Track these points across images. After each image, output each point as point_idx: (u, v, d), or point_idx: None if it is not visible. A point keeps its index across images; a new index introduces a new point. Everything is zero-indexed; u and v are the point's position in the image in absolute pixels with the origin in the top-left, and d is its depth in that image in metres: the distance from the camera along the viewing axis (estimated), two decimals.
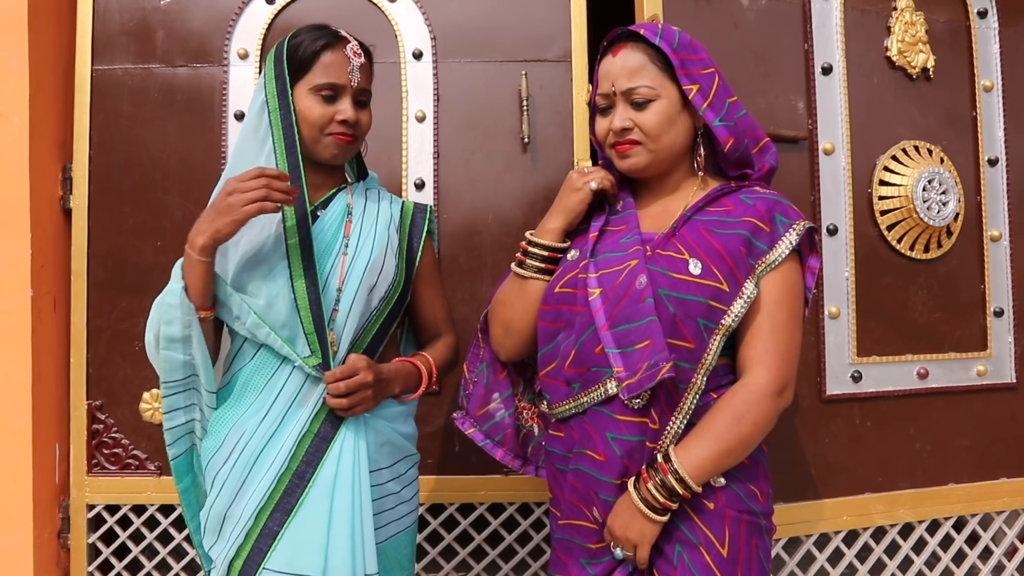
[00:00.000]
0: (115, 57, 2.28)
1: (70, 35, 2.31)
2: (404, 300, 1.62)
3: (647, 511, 1.30)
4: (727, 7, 2.20)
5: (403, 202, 1.68)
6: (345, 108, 1.49)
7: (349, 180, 1.68)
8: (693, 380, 1.35)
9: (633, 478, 1.34)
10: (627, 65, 1.44)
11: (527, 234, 1.55)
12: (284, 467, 1.43)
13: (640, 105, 1.42)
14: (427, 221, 1.68)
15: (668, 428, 1.35)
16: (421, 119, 2.28)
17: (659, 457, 1.33)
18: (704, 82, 1.43)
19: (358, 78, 1.51)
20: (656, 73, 1.43)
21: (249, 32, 2.28)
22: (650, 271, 1.36)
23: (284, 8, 2.30)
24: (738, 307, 1.35)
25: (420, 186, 2.27)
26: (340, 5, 2.29)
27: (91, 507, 2.25)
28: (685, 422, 1.36)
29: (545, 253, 1.51)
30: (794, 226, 1.40)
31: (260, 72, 1.58)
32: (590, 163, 1.51)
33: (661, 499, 1.30)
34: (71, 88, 2.29)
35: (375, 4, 2.29)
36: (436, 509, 2.26)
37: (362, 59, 1.53)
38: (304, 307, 1.44)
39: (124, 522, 2.27)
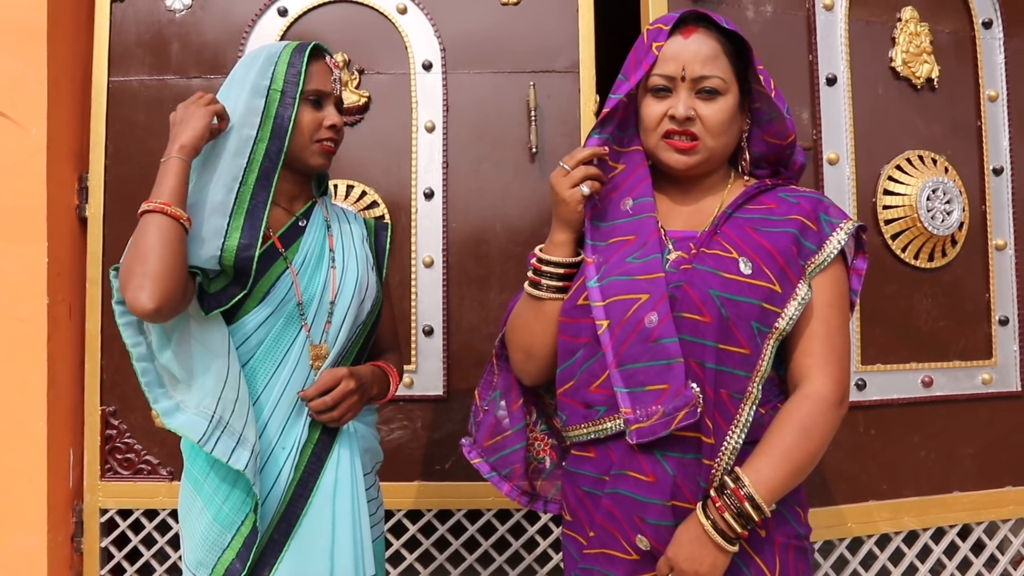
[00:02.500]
0: (131, 69, 2.33)
1: (87, 47, 2.36)
2: (379, 316, 1.63)
3: (722, 541, 1.18)
4: (732, 18, 2.06)
5: (365, 219, 1.68)
6: (331, 113, 1.50)
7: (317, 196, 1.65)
8: (749, 389, 1.24)
9: (700, 504, 1.22)
10: (702, 51, 1.31)
11: (537, 251, 1.42)
12: (290, 478, 1.43)
13: (709, 96, 1.31)
14: (388, 239, 1.68)
15: (726, 443, 1.23)
16: (431, 129, 2.31)
17: (728, 480, 1.21)
18: (766, 76, 1.35)
19: (339, 87, 1.53)
20: (728, 66, 1.33)
21: (261, 43, 2.23)
22: (697, 271, 1.27)
23: (296, 20, 2.34)
24: (792, 309, 1.25)
25: (430, 195, 2.30)
26: (351, 16, 2.33)
27: (104, 511, 2.28)
28: (743, 436, 1.24)
29: (560, 271, 1.39)
30: (841, 225, 1.31)
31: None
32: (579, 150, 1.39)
33: (739, 528, 1.18)
34: (88, 99, 2.34)
35: (385, 16, 2.33)
36: (444, 515, 2.28)
37: (340, 70, 1.56)
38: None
39: (136, 526, 2.31)
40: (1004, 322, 2.34)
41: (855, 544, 2.24)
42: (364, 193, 2.29)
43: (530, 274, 1.41)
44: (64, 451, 2.27)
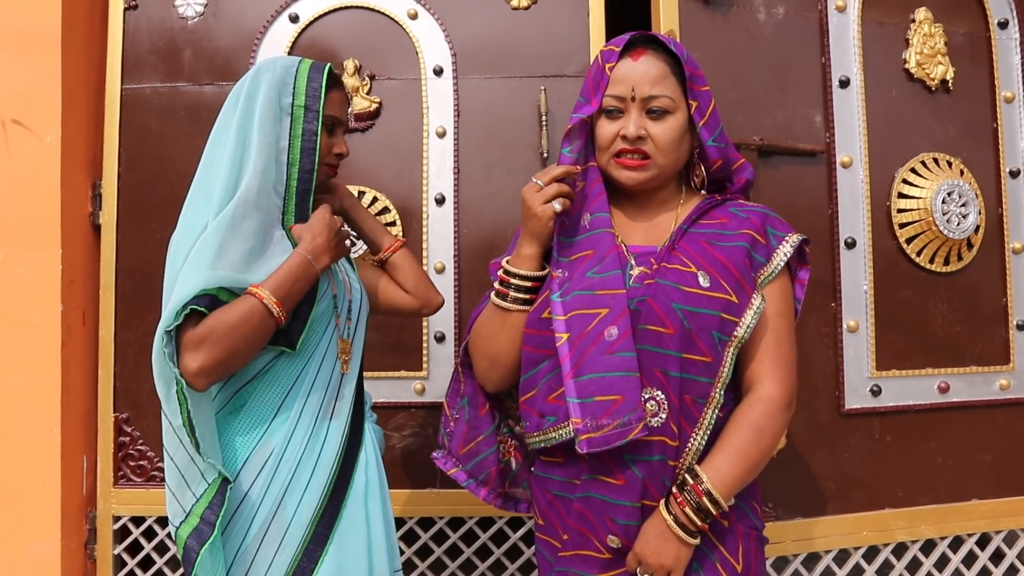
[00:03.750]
0: (144, 76, 2.34)
1: (100, 55, 2.37)
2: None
3: (683, 534, 1.28)
4: (744, 21, 2.22)
5: None
6: (340, 142, 1.59)
7: None
8: (712, 394, 1.33)
9: (663, 501, 1.31)
10: (650, 72, 1.38)
11: (504, 263, 1.47)
12: (333, 474, 1.47)
13: (658, 116, 1.38)
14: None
15: (690, 445, 1.33)
16: (442, 135, 2.31)
17: (688, 477, 1.30)
18: (703, 100, 1.41)
19: (349, 118, 1.65)
20: (676, 86, 1.40)
21: (273, 50, 2.31)
22: (660, 286, 1.34)
23: (307, 27, 2.34)
24: (749, 318, 1.34)
25: (441, 201, 2.29)
26: (362, 22, 2.33)
27: (117, 518, 2.28)
28: (706, 438, 1.33)
29: (527, 284, 1.44)
30: (787, 238, 1.41)
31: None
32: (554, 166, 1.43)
33: (699, 521, 1.28)
34: (101, 106, 2.35)
35: (396, 22, 2.33)
36: (426, 523, 2.27)
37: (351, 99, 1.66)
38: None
39: (149, 533, 2.30)
40: (1022, 327, 2.31)
41: (871, 553, 2.21)
42: (375, 199, 2.29)
43: (496, 285, 1.46)
44: (78, 458, 2.28)
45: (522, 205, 1.41)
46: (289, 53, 2.32)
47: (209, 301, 1.33)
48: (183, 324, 1.31)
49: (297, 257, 1.42)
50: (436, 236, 2.29)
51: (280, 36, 2.34)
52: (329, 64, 1.58)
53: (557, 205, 1.38)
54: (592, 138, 1.44)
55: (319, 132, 1.51)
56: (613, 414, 1.28)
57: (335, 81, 1.58)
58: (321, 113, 1.51)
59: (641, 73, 1.38)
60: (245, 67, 2.30)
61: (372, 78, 2.32)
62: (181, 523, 1.40)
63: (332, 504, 1.46)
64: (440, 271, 2.28)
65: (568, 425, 1.32)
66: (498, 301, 1.45)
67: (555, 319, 1.35)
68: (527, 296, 1.43)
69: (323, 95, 1.52)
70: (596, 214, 1.41)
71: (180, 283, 1.34)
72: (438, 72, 2.32)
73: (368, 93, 2.32)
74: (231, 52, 2.34)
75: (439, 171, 2.31)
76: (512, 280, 1.44)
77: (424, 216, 2.29)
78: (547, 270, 1.43)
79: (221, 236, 1.38)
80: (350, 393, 1.55)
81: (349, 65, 2.31)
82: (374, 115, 2.32)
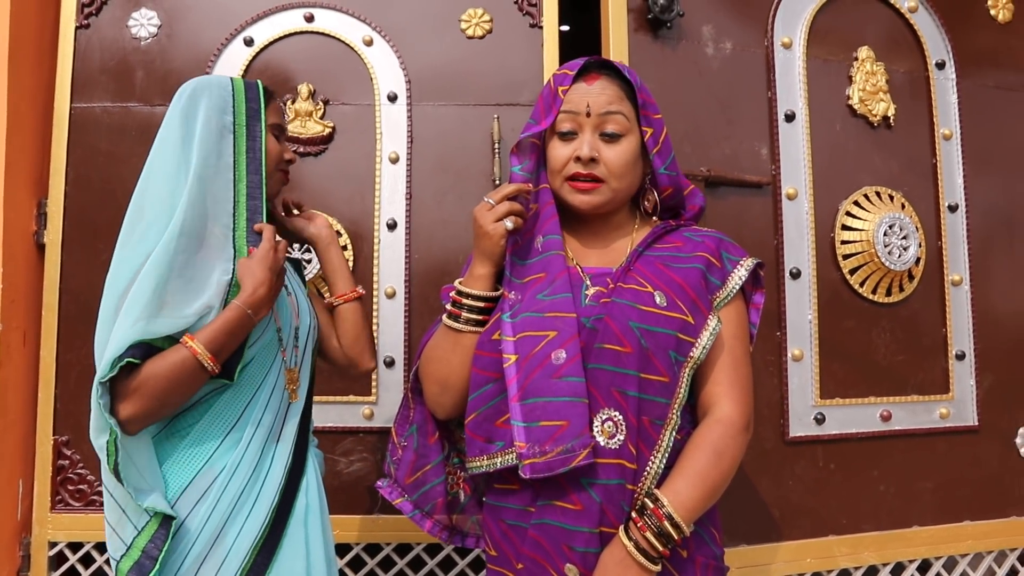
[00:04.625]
0: (94, 95, 2.31)
1: (50, 73, 2.34)
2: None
3: (644, 561, 1.23)
4: (692, 55, 2.26)
5: None
6: (288, 149, 1.62)
7: None
8: (669, 416, 1.31)
9: (623, 526, 1.27)
10: (605, 92, 1.39)
11: (457, 283, 1.45)
12: (275, 502, 1.45)
13: (611, 139, 1.38)
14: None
15: (648, 467, 1.29)
16: (395, 160, 2.31)
17: (648, 501, 1.27)
18: (656, 127, 1.42)
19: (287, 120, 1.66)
20: (631, 110, 1.40)
21: (227, 73, 2.30)
22: (617, 304, 1.32)
23: (262, 50, 2.33)
24: (705, 339, 1.33)
25: (392, 226, 2.29)
26: (317, 47, 2.33)
27: (53, 544, 2.22)
28: (665, 460, 1.30)
29: (479, 304, 1.41)
30: (741, 262, 1.41)
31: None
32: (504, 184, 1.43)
33: (660, 547, 1.24)
34: (49, 124, 2.31)
35: (351, 47, 2.34)
36: (373, 549, 2.24)
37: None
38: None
39: (87, 560, 2.24)
40: (961, 357, 2.36)
41: None
42: None
43: (448, 306, 1.43)
44: (13, 482, 2.21)
45: (474, 224, 1.39)
46: (243, 76, 2.31)
47: (143, 351, 1.34)
48: (118, 373, 1.32)
49: (235, 311, 1.39)
50: (387, 261, 2.29)
51: (234, 59, 2.33)
52: (259, 80, 1.61)
53: (508, 223, 1.37)
54: (543, 160, 1.44)
55: (263, 144, 1.51)
56: (557, 440, 1.25)
57: (269, 93, 1.60)
58: (264, 124, 1.52)
59: (596, 94, 1.39)
60: None
61: (326, 103, 2.32)
62: (122, 557, 1.38)
63: (273, 533, 1.44)
64: (391, 296, 2.27)
65: (514, 451, 1.30)
66: (450, 322, 1.42)
67: (504, 340, 1.33)
68: (479, 317, 1.41)
69: (263, 107, 1.53)
70: (548, 236, 1.40)
71: (115, 333, 1.34)
72: (392, 98, 2.33)
73: (322, 118, 2.32)
74: (184, 73, 2.29)
75: (391, 196, 2.31)
76: (464, 300, 1.41)
77: (376, 241, 2.28)
78: (500, 291, 1.41)
79: (157, 277, 1.37)
80: (296, 420, 1.53)
81: (303, 89, 2.31)
82: (327, 140, 2.31)
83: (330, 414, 2.21)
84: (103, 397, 1.32)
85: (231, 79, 1.56)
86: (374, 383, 2.25)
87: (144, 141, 2.17)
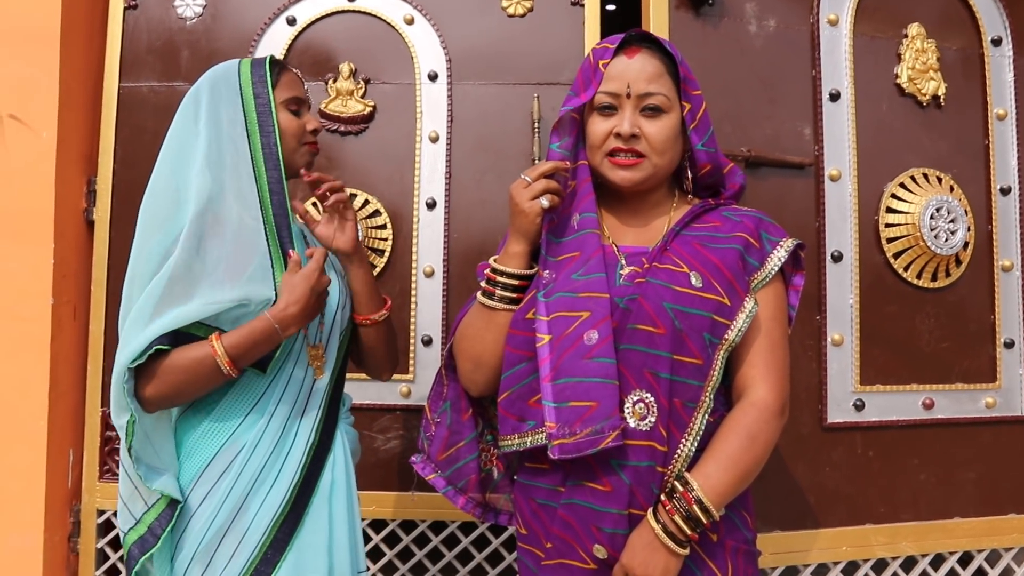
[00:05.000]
0: (141, 75, 2.36)
1: (99, 53, 2.39)
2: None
3: (672, 544, 1.23)
4: (734, 33, 2.22)
5: None
6: (311, 119, 1.58)
7: None
8: (702, 399, 1.29)
9: (651, 509, 1.26)
10: (646, 69, 1.36)
11: (491, 261, 1.44)
12: (297, 478, 1.46)
13: (653, 113, 1.36)
14: None
15: (679, 450, 1.28)
16: (435, 140, 2.32)
17: (678, 484, 1.25)
18: (695, 103, 1.39)
19: (309, 93, 1.62)
20: (671, 86, 1.38)
21: (270, 52, 2.32)
22: (651, 284, 1.31)
23: (304, 29, 2.35)
24: (741, 321, 1.31)
25: (432, 205, 2.30)
26: (358, 27, 2.35)
27: (101, 512, 2.29)
28: (696, 444, 1.29)
29: (514, 282, 1.40)
30: (781, 243, 1.39)
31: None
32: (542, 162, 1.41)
33: (688, 531, 1.23)
34: (98, 104, 2.37)
35: (392, 26, 2.34)
36: (408, 526, 2.27)
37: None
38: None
39: None
40: (1009, 345, 2.29)
41: (851, 568, 2.20)
42: (367, 202, 2.30)
43: (483, 284, 1.43)
44: (64, 451, 2.29)
45: (510, 201, 1.38)
46: (285, 55, 2.34)
47: (171, 337, 1.39)
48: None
49: (263, 322, 1.41)
50: (426, 240, 2.30)
51: (277, 38, 2.36)
52: (270, 56, 1.59)
53: (545, 201, 1.35)
54: (583, 136, 1.42)
55: (276, 135, 1.50)
56: (586, 421, 1.25)
57: (280, 67, 1.58)
58: (274, 107, 1.51)
59: (637, 70, 1.36)
60: None
61: (367, 82, 2.34)
62: (130, 529, 1.44)
63: (295, 508, 1.46)
64: (429, 275, 2.29)
65: (544, 431, 1.29)
66: (484, 300, 1.41)
67: (538, 319, 1.33)
68: (514, 295, 1.39)
69: (271, 90, 1.52)
70: (584, 214, 1.38)
71: (139, 320, 1.39)
72: (432, 77, 2.33)
73: (363, 96, 2.33)
74: (228, 53, 2.33)
75: (431, 175, 2.32)
76: (499, 278, 1.40)
77: (415, 220, 2.30)
78: (535, 269, 1.39)
79: (181, 260, 1.40)
80: (322, 396, 1.54)
81: (344, 68, 2.32)
82: (368, 119, 2.33)
83: (368, 391, 2.23)
84: (128, 381, 1.37)
85: (239, 63, 1.56)
86: (412, 361, 2.27)
87: None
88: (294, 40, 2.35)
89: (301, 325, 1.44)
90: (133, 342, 1.37)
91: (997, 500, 2.26)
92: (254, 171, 1.48)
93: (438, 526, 2.28)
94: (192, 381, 1.39)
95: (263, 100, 1.51)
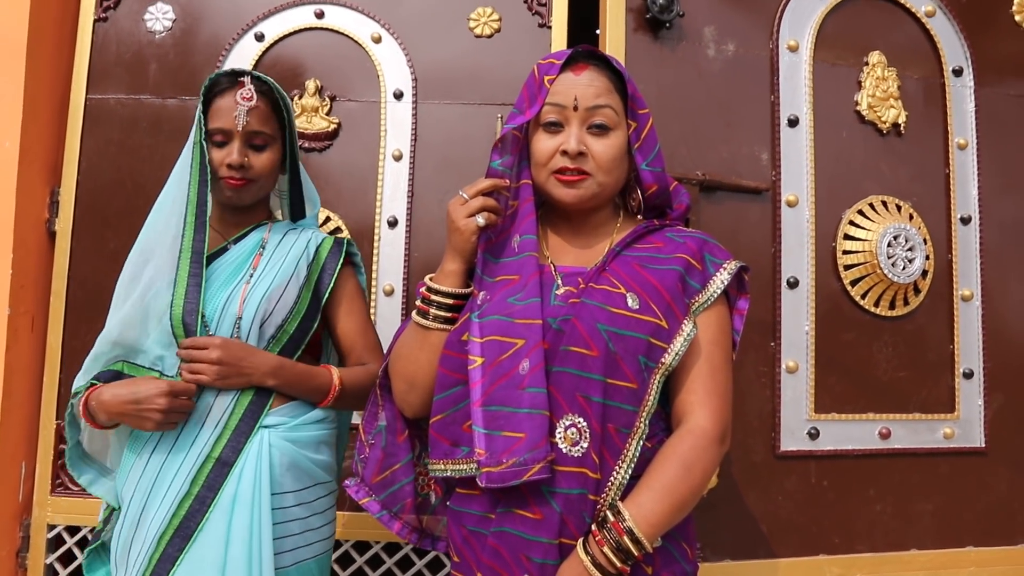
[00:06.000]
0: (109, 87, 2.35)
1: (67, 64, 2.38)
2: (305, 330, 1.64)
3: None
4: (692, 57, 2.21)
5: (324, 237, 1.71)
6: (231, 152, 1.56)
7: (276, 218, 1.77)
8: (636, 424, 1.26)
9: (581, 540, 1.22)
10: (594, 84, 1.35)
11: (427, 279, 1.41)
12: (183, 492, 1.45)
13: (600, 131, 1.34)
14: (342, 254, 1.70)
15: (612, 478, 1.25)
16: (398, 158, 2.30)
17: (609, 514, 1.22)
18: (641, 122, 1.38)
19: (244, 122, 1.55)
20: (619, 103, 1.37)
21: (238, 67, 2.29)
22: (586, 305, 1.28)
23: (273, 45, 2.34)
24: (678, 344, 1.27)
25: (393, 224, 2.28)
26: (326, 44, 2.34)
27: (52, 527, 2.26)
28: (630, 471, 1.25)
29: (449, 301, 1.38)
30: (725, 265, 1.35)
31: None
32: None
33: (618, 563, 1.19)
34: (65, 115, 2.36)
35: (359, 44, 2.34)
36: (392, 548, 2.23)
37: (252, 102, 1.57)
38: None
39: (84, 544, 2.26)
40: (968, 375, 2.27)
41: None
42: (328, 219, 2.29)
43: (418, 303, 1.40)
44: (16, 464, 2.26)
45: (447, 218, 1.36)
46: (252, 70, 2.31)
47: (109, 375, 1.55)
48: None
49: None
50: (386, 258, 2.28)
51: (245, 53, 2.35)
52: (214, 75, 1.59)
53: (480, 219, 1.33)
54: (526, 155, 1.40)
55: (207, 161, 1.54)
56: (514, 452, 1.22)
57: (220, 89, 1.57)
58: (202, 146, 1.53)
59: (584, 85, 1.34)
60: None
61: (332, 99, 2.33)
62: (100, 521, 1.59)
63: (187, 522, 1.44)
64: (389, 293, 2.27)
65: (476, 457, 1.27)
66: (419, 319, 1.39)
67: (471, 341, 1.30)
68: (448, 315, 1.37)
69: (201, 115, 1.54)
70: (525, 236, 1.36)
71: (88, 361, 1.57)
72: (398, 96, 2.33)
73: (328, 114, 2.32)
74: (195, 68, 2.35)
75: (393, 194, 2.30)
76: (433, 297, 1.38)
77: (376, 238, 2.28)
78: (471, 288, 1.37)
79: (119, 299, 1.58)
80: (227, 409, 1.51)
81: (311, 85, 2.32)
82: (332, 136, 2.32)
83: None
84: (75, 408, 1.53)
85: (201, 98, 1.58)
86: None
87: (155, 133, 2.31)
88: (262, 56, 2.34)
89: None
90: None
91: (955, 532, 2.23)
92: (184, 221, 1.53)
93: (362, 546, 2.23)
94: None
95: (199, 125, 1.55)
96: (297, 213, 1.79)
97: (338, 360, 1.75)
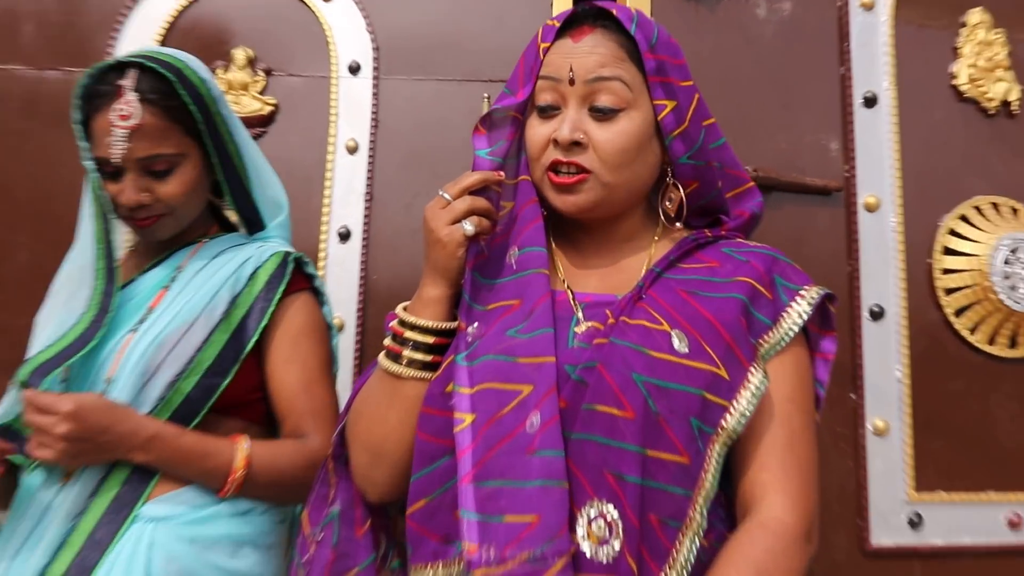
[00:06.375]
0: None
1: None
2: (208, 388, 1.39)
3: None
4: (738, 18, 2.03)
5: (271, 255, 1.50)
6: (125, 186, 1.38)
7: (222, 231, 1.61)
8: (690, 515, 1.03)
9: None
10: (596, 51, 1.14)
11: (399, 310, 1.20)
12: None
13: (604, 115, 1.14)
14: (285, 276, 1.47)
15: None
16: (353, 150, 2.04)
17: None
18: (682, 98, 1.16)
19: (122, 151, 1.36)
20: (635, 74, 1.15)
21: (143, 32, 2.03)
22: (616, 347, 1.06)
23: (192, 3, 2.05)
24: (745, 402, 1.06)
25: (345, 236, 2.00)
26: (260, 3, 2.08)
27: None
28: None
29: (428, 339, 1.15)
30: (803, 292, 1.15)
31: None
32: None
33: None
34: None
35: (305, 3, 2.07)
36: None
37: (131, 121, 1.35)
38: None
39: None
40: None
41: None
42: None
43: (387, 341, 1.18)
44: None
45: (424, 228, 1.16)
46: (164, 37, 2.05)
47: None
48: None
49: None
50: (336, 282, 1.98)
51: (153, 13, 2.05)
52: (83, 79, 1.39)
53: (468, 226, 1.14)
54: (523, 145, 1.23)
55: (96, 212, 1.38)
56: (523, 542, 0.98)
57: (98, 102, 1.36)
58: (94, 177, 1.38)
59: (584, 53, 1.15)
60: (102, 52, 2.01)
61: (268, 73, 2.06)
62: None
63: None
64: (339, 329, 1.95)
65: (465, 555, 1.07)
66: (388, 364, 1.15)
67: (457, 392, 1.09)
68: (428, 357, 1.14)
69: (82, 136, 1.37)
70: (526, 248, 1.16)
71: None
72: (354, 70, 2.06)
73: (261, 92, 2.06)
74: (86, 31, 2.06)
75: (345, 197, 2.03)
76: (408, 333, 1.15)
77: (322, 255, 1.99)
78: (457, 321, 1.17)
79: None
80: (83, 490, 1.30)
81: (239, 55, 2.04)
82: (267, 121, 2.03)
83: None
84: None
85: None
86: None
87: (29, 114, 2.01)
88: (177, 17, 2.06)
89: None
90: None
91: None
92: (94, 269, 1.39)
93: None
94: None
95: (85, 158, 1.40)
96: (256, 225, 1.60)
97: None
